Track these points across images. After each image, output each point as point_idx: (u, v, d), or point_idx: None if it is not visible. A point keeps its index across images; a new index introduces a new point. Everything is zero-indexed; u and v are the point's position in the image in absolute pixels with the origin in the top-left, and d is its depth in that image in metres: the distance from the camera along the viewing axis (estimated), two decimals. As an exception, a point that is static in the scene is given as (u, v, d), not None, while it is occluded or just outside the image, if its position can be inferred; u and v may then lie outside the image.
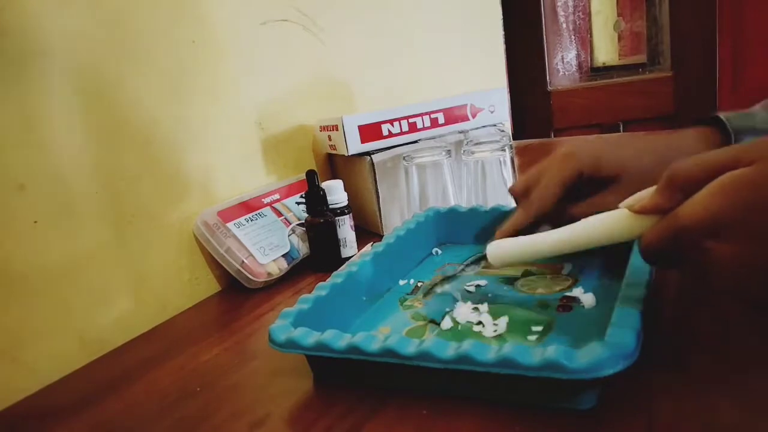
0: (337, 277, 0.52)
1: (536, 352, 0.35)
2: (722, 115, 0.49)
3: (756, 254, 0.31)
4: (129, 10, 0.60)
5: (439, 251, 0.66)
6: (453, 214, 0.67)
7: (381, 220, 0.78)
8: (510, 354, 0.35)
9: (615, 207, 0.40)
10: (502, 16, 1.52)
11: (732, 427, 0.33)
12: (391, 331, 0.49)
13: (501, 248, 0.48)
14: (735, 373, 0.37)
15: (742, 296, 0.33)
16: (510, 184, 0.72)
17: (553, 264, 0.57)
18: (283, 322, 0.44)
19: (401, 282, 0.59)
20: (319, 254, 0.70)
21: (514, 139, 1.00)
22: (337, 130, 0.77)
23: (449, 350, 0.37)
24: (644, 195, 0.37)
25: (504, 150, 0.70)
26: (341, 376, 0.44)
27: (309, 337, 0.42)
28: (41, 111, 0.52)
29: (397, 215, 0.78)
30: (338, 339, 0.41)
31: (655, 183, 0.36)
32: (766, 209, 0.30)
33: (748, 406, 0.34)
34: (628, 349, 0.34)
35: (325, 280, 0.51)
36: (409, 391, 0.40)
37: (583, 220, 0.42)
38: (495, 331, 0.46)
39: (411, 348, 0.38)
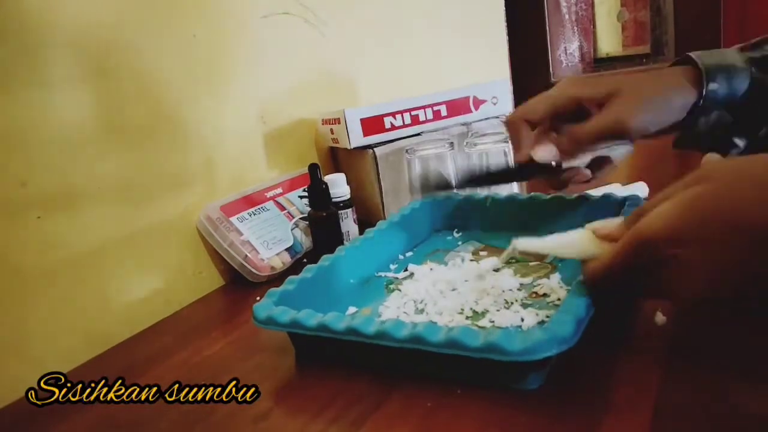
0: (324, 260, 0.54)
1: (480, 334, 0.37)
2: (694, 54, 0.51)
3: (717, 260, 0.31)
4: (130, 5, 0.60)
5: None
6: (448, 201, 0.68)
7: (384, 213, 0.78)
8: (456, 336, 0.37)
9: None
10: (504, 7, 1.51)
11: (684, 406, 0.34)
12: (371, 313, 0.51)
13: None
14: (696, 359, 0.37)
15: (710, 302, 0.34)
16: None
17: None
18: (266, 301, 0.46)
19: (392, 266, 0.60)
20: (322, 248, 0.70)
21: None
22: (339, 123, 0.77)
23: (404, 330, 0.39)
24: (610, 224, 0.39)
25: (507, 141, 0.70)
26: (317, 354, 0.46)
27: (286, 315, 0.44)
28: (43, 108, 0.52)
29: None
30: (311, 318, 0.43)
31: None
32: (719, 218, 0.31)
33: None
34: (565, 335, 0.35)
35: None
36: (414, 383, 0.41)
37: (556, 235, 0.43)
38: (492, 323, 0.46)
39: (371, 327, 0.40)
